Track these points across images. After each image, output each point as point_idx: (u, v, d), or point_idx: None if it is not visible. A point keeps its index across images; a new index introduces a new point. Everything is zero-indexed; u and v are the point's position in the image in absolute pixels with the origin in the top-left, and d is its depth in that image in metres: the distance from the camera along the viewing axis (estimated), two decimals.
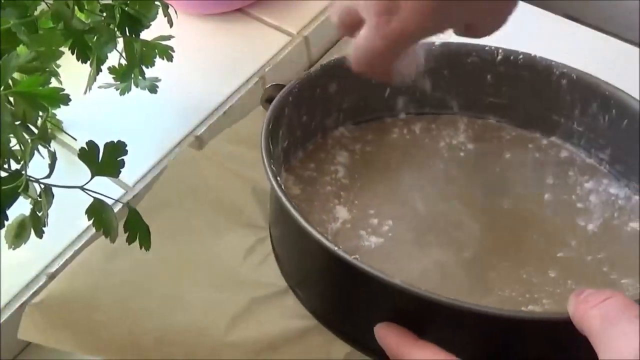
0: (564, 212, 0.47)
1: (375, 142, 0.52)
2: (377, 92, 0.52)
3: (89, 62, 0.44)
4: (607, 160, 0.49)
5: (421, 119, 0.53)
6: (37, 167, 0.38)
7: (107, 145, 0.38)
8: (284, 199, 0.38)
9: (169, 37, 0.50)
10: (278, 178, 0.40)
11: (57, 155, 0.39)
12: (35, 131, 0.38)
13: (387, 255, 0.43)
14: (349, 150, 0.51)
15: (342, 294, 0.40)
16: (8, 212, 0.37)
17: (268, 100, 0.57)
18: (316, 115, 0.50)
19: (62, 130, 0.55)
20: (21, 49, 0.39)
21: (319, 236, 0.37)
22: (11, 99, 0.37)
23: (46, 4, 0.43)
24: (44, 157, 0.39)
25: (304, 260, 0.43)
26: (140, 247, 0.39)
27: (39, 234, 0.39)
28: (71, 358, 0.48)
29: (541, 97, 0.50)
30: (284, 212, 0.39)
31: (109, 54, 0.46)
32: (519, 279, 0.43)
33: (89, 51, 0.44)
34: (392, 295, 0.36)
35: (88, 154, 0.37)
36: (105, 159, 0.37)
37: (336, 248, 0.36)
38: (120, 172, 0.38)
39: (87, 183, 0.38)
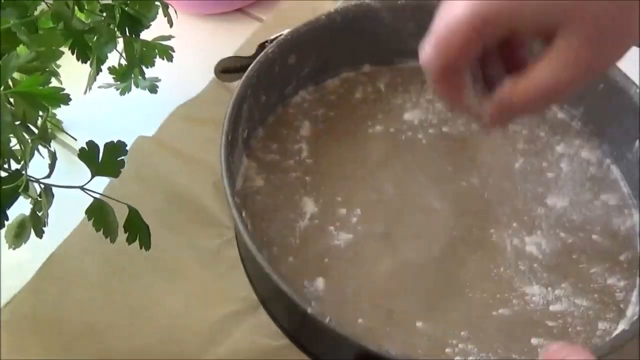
0: (534, 185, 0.45)
1: (338, 104, 0.49)
2: (340, 49, 0.49)
3: (89, 62, 0.44)
4: (579, 117, 0.47)
5: (386, 73, 0.50)
6: (37, 167, 0.38)
7: (107, 145, 0.38)
8: (249, 242, 0.36)
9: (169, 37, 0.50)
10: (243, 213, 0.38)
11: (57, 155, 0.39)
12: (35, 131, 0.38)
13: (357, 256, 0.42)
14: (312, 117, 0.48)
15: (310, 325, 0.39)
16: (8, 212, 0.37)
17: (223, 71, 0.53)
18: (275, 90, 0.47)
19: (62, 130, 0.55)
20: (21, 49, 0.39)
21: (290, 293, 0.35)
22: (11, 99, 0.37)
23: (46, 4, 0.43)
24: (44, 157, 0.39)
25: (269, 283, 0.41)
26: (140, 247, 0.39)
27: (39, 234, 0.39)
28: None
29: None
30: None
31: (109, 54, 0.46)
32: (488, 275, 0.42)
33: (89, 51, 0.44)
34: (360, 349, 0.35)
35: (88, 153, 0.37)
36: (105, 159, 0.38)
37: (308, 309, 0.34)
38: (120, 172, 0.38)
39: (87, 183, 0.38)
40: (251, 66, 0.44)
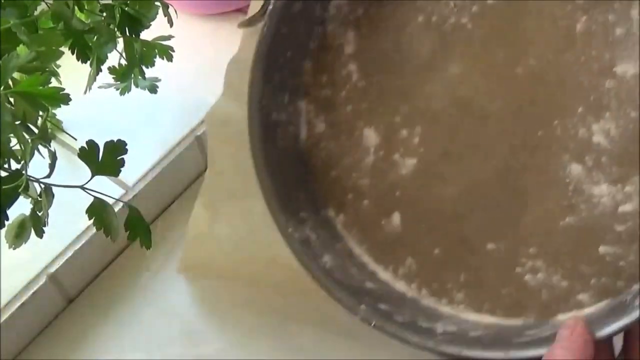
0: (600, 51, 0.39)
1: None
2: None
3: (89, 62, 0.44)
4: None
5: None
6: (37, 166, 0.38)
7: (107, 144, 0.38)
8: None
9: (169, 37, 0.50)
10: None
11: (57, 155, 0.39)
12: (35, 131, 0.38)
13: (424, 182, 0.42)
14: (354, 24, 0.44)
15: None
16: (8, 212, 0.37)
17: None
18: (298, 38, 0.43)
19: (62, 130, 0.55)
20: (21, 49, 0.39)
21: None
22: (11, 99, 0.37)
23: (46, 4, 0.43)
24: (44, 157, 0.39)
25: None
26: (141, 246, 0.40)
27: (39, 233, 0.39)
28: (73, 358, 0.48)
29: None
30: None
31: (109, 54, 0.46)
32: (553, 181, 0.39)
33: (89, 51, 0.44)
34: None
35: (88, 153, 0.37)
36: (105, 158, 0.38)
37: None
38: (120, 170, 0.38)
39: (87, 182, 0.38)
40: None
